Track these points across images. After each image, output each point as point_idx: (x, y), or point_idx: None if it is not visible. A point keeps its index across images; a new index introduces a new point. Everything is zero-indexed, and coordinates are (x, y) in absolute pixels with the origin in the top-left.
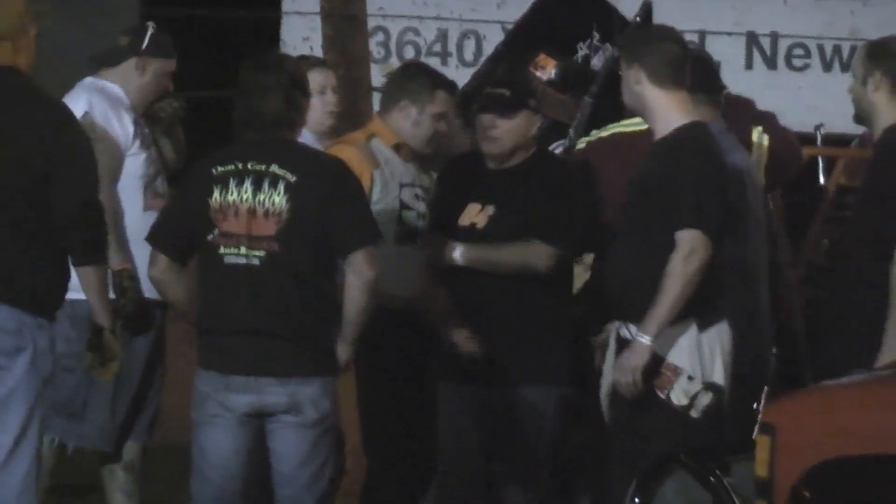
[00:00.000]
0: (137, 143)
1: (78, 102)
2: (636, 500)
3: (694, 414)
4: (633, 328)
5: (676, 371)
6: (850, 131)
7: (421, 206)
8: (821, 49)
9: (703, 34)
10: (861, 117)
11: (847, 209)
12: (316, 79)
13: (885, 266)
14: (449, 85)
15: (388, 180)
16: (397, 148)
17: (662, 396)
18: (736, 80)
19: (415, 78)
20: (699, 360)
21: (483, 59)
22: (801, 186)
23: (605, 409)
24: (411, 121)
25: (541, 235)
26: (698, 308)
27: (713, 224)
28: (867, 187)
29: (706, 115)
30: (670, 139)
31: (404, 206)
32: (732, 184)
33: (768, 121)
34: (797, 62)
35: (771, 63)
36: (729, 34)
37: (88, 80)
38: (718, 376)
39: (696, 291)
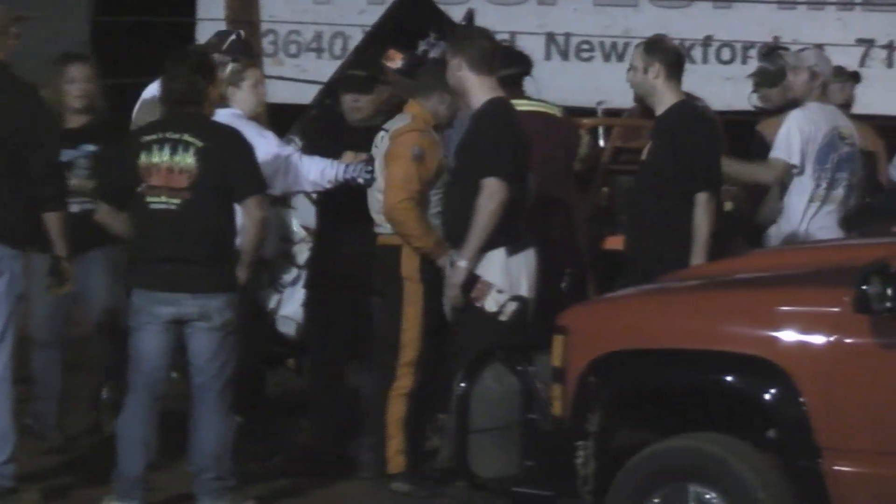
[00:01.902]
0: None
1: None
2: (462, 385)
3: (503, 318)
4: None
5: (489, 286)
6: (623, 106)
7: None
8: (602, 45)
9: (513, 34)
10: (642, 97)
11: (621, 164)
12: (251, 75)
13: (667, 207)
14: None
15: (442, 157)
16: (435, 127)
17: (478, 305)
18: (538, 69)
19: (440, 68)
20: (508, 278)
21: (347, 53)
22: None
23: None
24: (446, 104)
25: None
26: (507, 238)
27: (507, 172)
28: (658, 149)
29: (513, 93)
30: (480, 110)
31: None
32: (520, 144)
33: None
34: (584, 55)
35: (565, 55)
36: (533, 34)
37: None
38: (524, 290)
39: (505, 226)
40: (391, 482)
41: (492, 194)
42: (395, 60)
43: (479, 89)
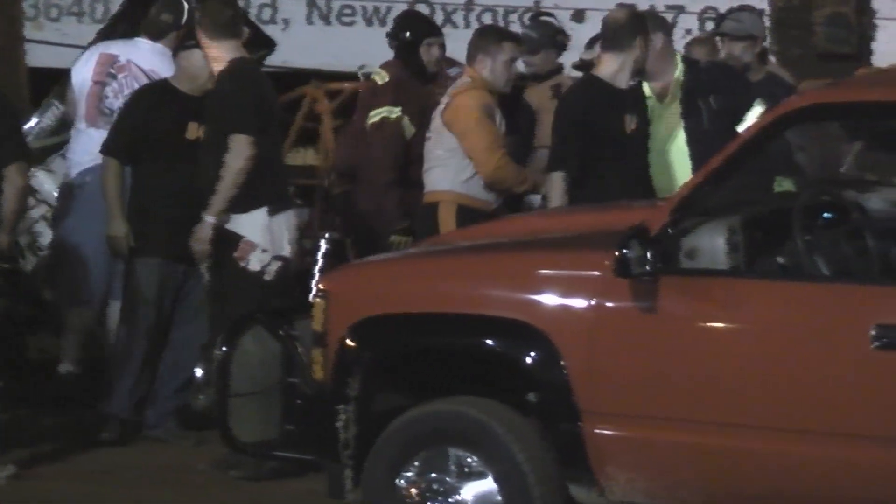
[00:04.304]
0: None
1: None
2: (222, 348)
3: (266, 277)
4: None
5: (252, 245)
6: None
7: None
8: (363, 9)
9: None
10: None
11: None
12: None
13: None
14: (513, 36)
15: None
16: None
17: (241, 265)
18: (300, 33)
19: (484, 36)
20: (271, 238)
21: (108, 17)
22: (348, 111)
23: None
24: (488, 69)
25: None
26: (269, 198)
27: (252, 128)
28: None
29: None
30: (222, 71)
31: None
32: (265, 102)
33: None
34: (346, 19)
35: (326, 20)
36: None
37: None
38: (286, 250)
39: (266, 185)
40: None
41: (239, 151)
42: None
43: (220, 53)
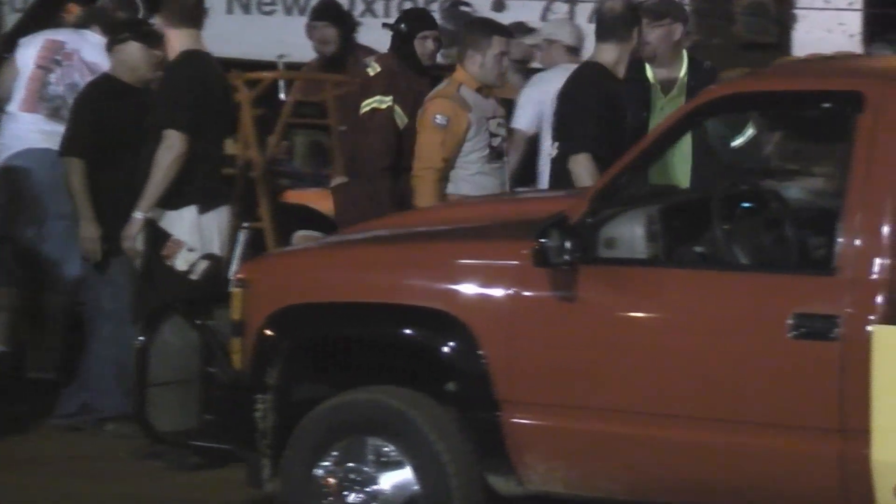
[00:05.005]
0: None
1: None
2: (140, 338)
3: (193, 277)
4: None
5: (180, 244)
6: (304, 60)
7: (503, 132)
8: None
9: None
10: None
11: (303, 117)
12: None
13: None
14: (503, 29)
15: (479, 118)
16: (479, 89)
17: (168, 263)
18: (220, 22)
19: (473, 30)
20: (200, 236)
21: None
22: (267, 101)
23: None
24: (478, 65)
25: None
26: (199, 195)
27: (186, 124)
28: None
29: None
30: (170, 62)
31: (492, 134)
32: (209, 98)
33: None
34: (266, 8)
35: (246, 9)
36: None
37: None
38: (216, 248)
39: (197, 182)
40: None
41: (170, 146)
42: (72, 13)
43: (175, 41)
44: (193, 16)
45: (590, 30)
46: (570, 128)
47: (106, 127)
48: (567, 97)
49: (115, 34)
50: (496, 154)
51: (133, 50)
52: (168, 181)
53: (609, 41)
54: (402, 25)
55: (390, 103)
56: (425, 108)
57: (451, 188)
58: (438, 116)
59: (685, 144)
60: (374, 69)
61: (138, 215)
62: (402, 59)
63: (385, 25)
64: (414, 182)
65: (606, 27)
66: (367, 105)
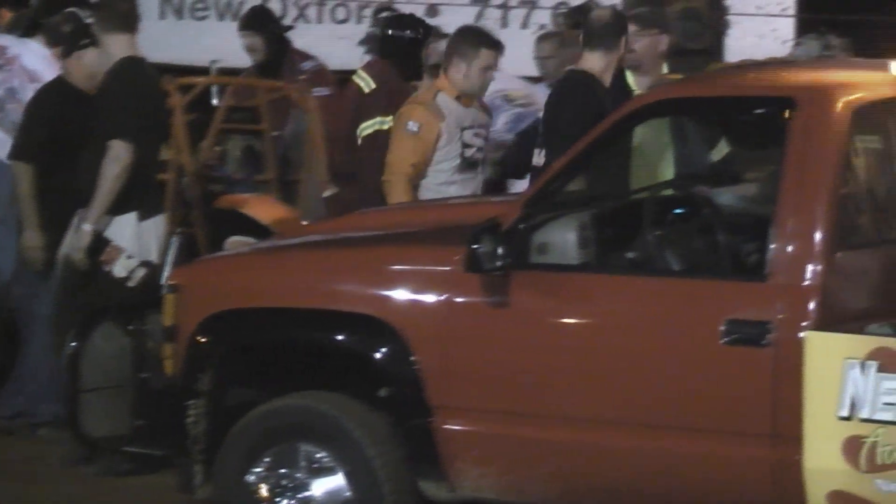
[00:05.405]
0: None
1: None
2: (72, 343)
3: (131, 284)
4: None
5: (119, 251)
6: (237, 65)
7: (479, 142)
8: (216, 3)
9: None
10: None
11: (234, 123)
12: None
13: None
14: (492, 42)
15: (452, 127)
16: (458, 98)
17: (106, 269)
18: (152, 28)
19: (463, 39)
20: (139, 243)
21: None
22: (201, 106)
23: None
24: (462, 74)
25: None
26: (139, 202)
27: (131, 133)
28: None
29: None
30: (109, 70)
31: (465, 144)
32: (149, 105)
33: None
34: (199, 13)
35: (179, 14)
36: None
37: None
38: (153, 255)
39: (137, 190)
40: None
41: (116, 157)
42: (3, 18)
43: (112, 47)
44: (128, 21)
45: (524, 36)
46: (556, 136)
47: (59, 133)
48: (554, 105)
49: (75, 40)
50: (469, 164)
51: (94, 56)
52: (116, 191)
53: (597, 49)
54: (408, 32)
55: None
56: (400, 113)
57: (420, 195)
58: (411, 123)
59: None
60: (367, 84)
61: (87, 227)
62: (399, 66)
63: (382, 34)
64: (384, 188)
65: (595, 35)
66: (370, 127)
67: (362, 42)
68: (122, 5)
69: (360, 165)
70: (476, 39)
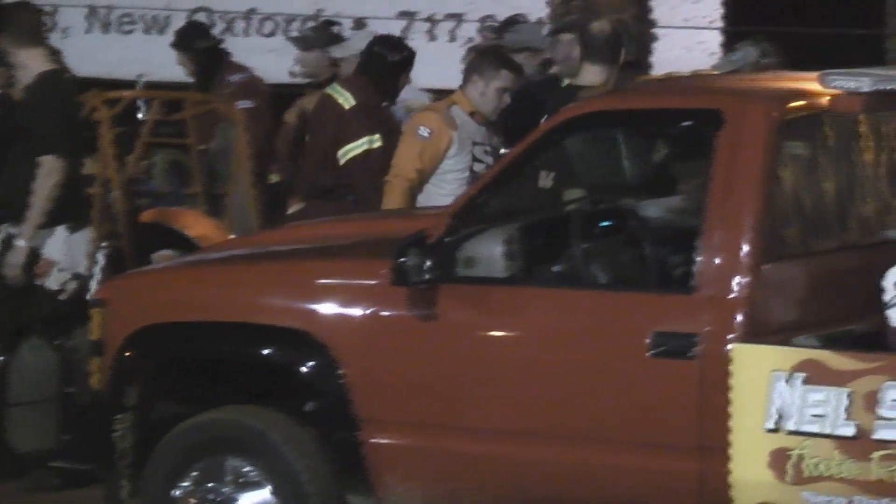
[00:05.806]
0: None
1: None
2: None
3: (63, 297)
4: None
5: (51, 264)
6: (165, 79)
7: (489, 160)
8: (143, 17)
9: (55, 6)
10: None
11: (161, 136)
12: None
13: None
14: (513, 65)
15: (463, 140)
16: (472, 114)
17: (39, 282)
18: (79, 41)
19: (485, 58)
20: (70, 256)
21: None
22: (127, 119)
23: None
24: (479, 92)
25: None
26: (69, 215)
27: (62, 148)
28: None
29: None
30: (29, 85)
31: (475, 159)
32: (73, 117)
33: None
34: (126, 27)
35: (106, 28)
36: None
37: None
38: (83, 267)
39: (67, 202)
40: None
41: (49, 172)
42: None
43: (27, 61)
44: (39, 34)
45: (451, 49)
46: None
47: None
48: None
49: None
50: (475, 180)
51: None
52: (50, 207)
53: (597, 63)
54: (394, 55)
55: (380, 142)
56: (412, 118)
57: (421, 199)
58: (422, 128)
59: None
60: (347, 100)
61: (22, 244)
62: (377, 85)
63: (368, 51)
64: (385, 188)
65: (595, 49)
66: (358, 147)
67: (296, 39)
68: (29, 19)
69: (348, 186)
70: (499, 61)
